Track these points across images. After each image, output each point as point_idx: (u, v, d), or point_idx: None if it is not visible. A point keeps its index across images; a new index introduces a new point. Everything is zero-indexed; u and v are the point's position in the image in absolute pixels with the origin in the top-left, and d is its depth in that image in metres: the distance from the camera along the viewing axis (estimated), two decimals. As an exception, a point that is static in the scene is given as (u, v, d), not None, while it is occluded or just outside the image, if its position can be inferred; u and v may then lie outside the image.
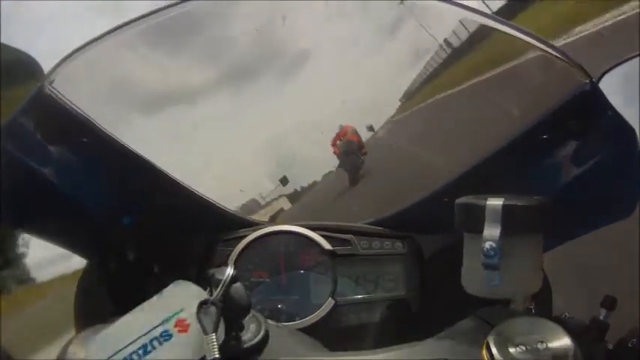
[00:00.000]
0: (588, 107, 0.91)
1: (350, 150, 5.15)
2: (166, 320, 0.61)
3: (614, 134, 0.92)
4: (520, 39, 0.94)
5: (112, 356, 0.59)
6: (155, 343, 0.60)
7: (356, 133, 5.22)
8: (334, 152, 5.18)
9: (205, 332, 0.60)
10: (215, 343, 0.59)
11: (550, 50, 0.92)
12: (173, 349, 0.60)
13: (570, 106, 0.94)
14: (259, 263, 1.13)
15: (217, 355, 0.59)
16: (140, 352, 0.60)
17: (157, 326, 0.61)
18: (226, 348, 0.71)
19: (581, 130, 0.95)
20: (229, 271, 0.66)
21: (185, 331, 0.61)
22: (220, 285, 0.64)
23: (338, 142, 5.16)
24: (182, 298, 0.63)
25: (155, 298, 0.64)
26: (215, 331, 0.60)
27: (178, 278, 0.68)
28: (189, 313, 0.62)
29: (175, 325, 0.61)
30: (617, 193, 0.96)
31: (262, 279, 1.12)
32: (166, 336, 0.61)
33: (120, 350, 0.59)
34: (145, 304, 0.63)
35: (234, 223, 1.20)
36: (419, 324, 1.11)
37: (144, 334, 0.60)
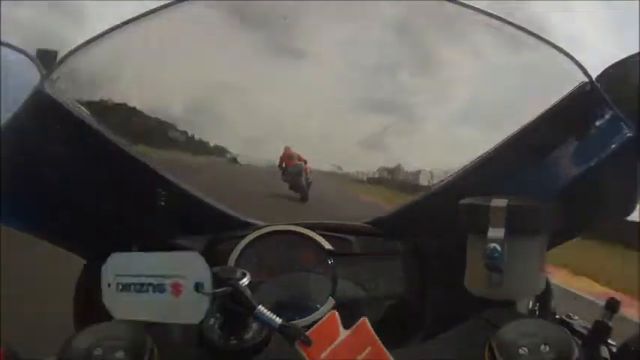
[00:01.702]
0: (588, 107, 0.92)
1: (300, 172, 5.33)
2: (168, 276, 0.68)
3: (614, 134, 0.92)
4: (521, 38, 0.94)
5: (118, 275, 0.70)
6: (150, 288, 0.69)
7: (293, 155, 5.42)
8: (284, 176, 5.39)
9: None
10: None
11: (550, 50, 0.92)
12: (160, 303, 0.68)
13: (570, 105, 0.94)
14: (259, 263, 1.12)
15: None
16: (137, 287, 0.69)
17: (157, 276, 0.69)
18: (228, 347, 0.71)
19: (581, 129, 0.95)
20: (248, 277, 0.71)
21: (176, 294, 0.68)
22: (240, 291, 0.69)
23: (285, 165, 5.35)
24: (190, 267, 0.69)
25: (173, 253, 0.72)
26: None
27: None
28: (188, 282, 0.67)
29: (172, 285, 0.68)
30: (617, 193, 0.96)
31: (262, 279, 1.11)
32: (161, 289, 0.68)
33: (125, 275, 0.70)
34: (165, 254, 0.71)
35: (234, 224, 1.20)
36: (419, 324, 1.11)
37: (147, 275, 0.69)
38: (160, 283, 0.68)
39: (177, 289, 0.68)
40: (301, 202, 5.45)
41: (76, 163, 0.99)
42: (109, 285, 0.70)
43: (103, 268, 0.71)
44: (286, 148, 5.41)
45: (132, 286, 0.69)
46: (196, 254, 0.69)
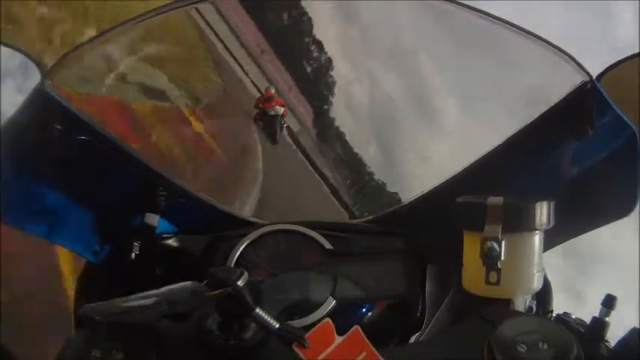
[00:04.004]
0: (588, 106, 0.91)
1: (277, 115, 5.31)
2: None
3: (614, 134, 0.92)
4: (522, 38, 0.94)
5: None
6: None
7: (274, 97, 5.42)
8: (256, 115, 5.38)
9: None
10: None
11: (551, 50, 0.92)
12: None
13: (570, 105, 0.94)
14: (259, 262, 1.13)
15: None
16: None
17: None
18: (227, 347, 0.71)
19: (581, 129, 0.95)
20: (245, 277, 0.70)
21: None
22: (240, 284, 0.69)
23: (262, 106, 5.33)
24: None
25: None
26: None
27: (179, 278, 0.72)
28: None
29: None
30: (618, 192, 0.96)
31: (262, 278, 1.11)
32: None
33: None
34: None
35: (234, 223, 1.20)
36: (419, 323, 1.11)
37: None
38: None
39: None
40: (272, 144, 5.48)
41: (77, 162, 0.99)
42: None
43: None
44: (267, 90, 5.43)
45: None
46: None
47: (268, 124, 5.37)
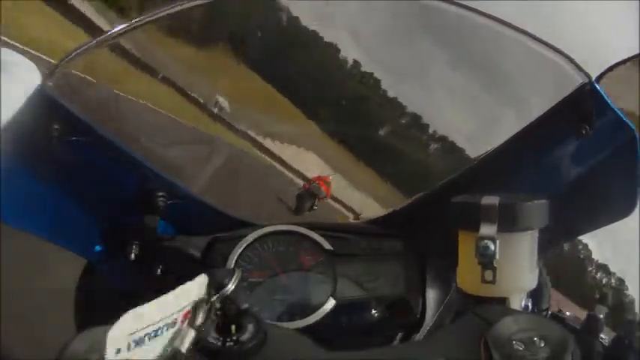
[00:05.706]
0: (588, 107, 0.91)
1: (313, 195, 5.40)
2: (181, 310, 0.63)
3: (614, 134, 0.92)
4: (521, 39, 0.94)
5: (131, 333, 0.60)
6: (164, 328, 0.62)
7: (329, 184, 5.53)
8: (305, 184, 5.52)
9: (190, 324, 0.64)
10: (190, 338, 0.63)
11: (551, 51, 0.92)
12: (171, 337, 0.63)
13: (570, 106, 0.94)
14: (259, 263, 1.13)
15: (184, 351, 0.62)
16: (152, 334, 0.61)
17: (172, 314, 0.63)
18: (224, 349, 0.71)
19: (580, 130, 0.95)
20: (238, 273, 0.69)
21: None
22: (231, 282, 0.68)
23: (312, 182, 5.46)
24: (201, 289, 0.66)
25: (181, 287, 0.65)
26: (197, 328, 0.64)
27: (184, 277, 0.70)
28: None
29: (184, 315, 0.64)
30: (618, 192, 0.96)
31: (262, 279, 1.12)
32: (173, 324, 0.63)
33: (138, 330, 0.60)
34: (174, 292, 0.64)
35: (234, 224, 1.20)
36: (419, 322, 1.11)
37: (161, 319, 0.62)
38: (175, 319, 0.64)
39: (188, 315, 0.65)
40: (295, 214, 5.57)
41: (77, 163, 1.00)
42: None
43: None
44: (329, 176, 5.60)
45: (146, 336, 0.61)
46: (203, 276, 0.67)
47: (304, 197, 5.45)
